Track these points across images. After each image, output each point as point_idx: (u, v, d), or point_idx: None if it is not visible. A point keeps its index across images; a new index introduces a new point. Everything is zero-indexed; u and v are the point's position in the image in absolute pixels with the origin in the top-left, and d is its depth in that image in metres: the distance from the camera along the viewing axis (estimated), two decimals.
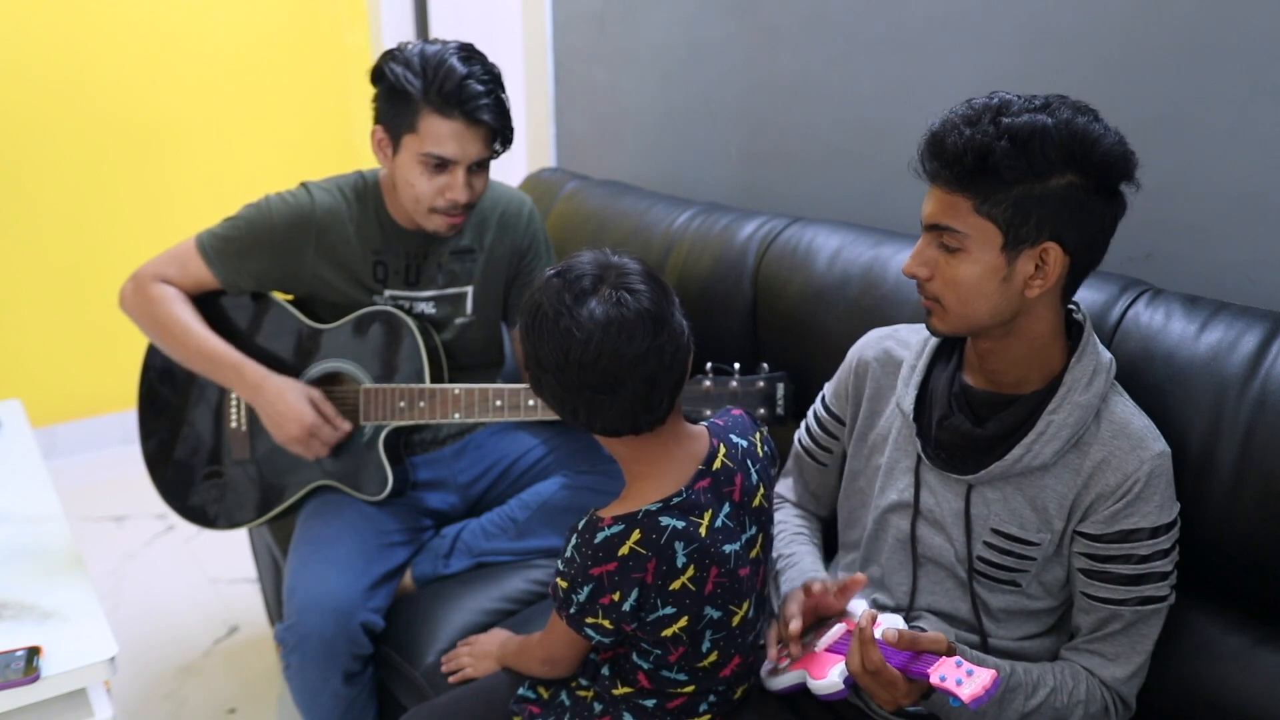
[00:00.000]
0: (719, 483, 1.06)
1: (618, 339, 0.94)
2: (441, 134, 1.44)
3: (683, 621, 1.03)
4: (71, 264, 2.99)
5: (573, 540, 1.04)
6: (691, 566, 1.02)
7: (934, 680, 0.91)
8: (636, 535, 1.00)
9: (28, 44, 2.79)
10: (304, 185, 1.63)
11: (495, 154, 1.52)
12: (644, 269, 1.01)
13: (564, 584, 1.04)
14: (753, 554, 1.10)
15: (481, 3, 3.07)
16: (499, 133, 1.49)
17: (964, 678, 0.89)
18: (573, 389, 0.97)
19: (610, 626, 1.03)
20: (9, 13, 2.74)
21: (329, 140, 3.34)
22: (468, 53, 1.47)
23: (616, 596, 1.01)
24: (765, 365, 1.55)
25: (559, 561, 1.06)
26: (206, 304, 1.65)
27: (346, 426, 1.58)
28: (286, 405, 1.54)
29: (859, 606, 1.14)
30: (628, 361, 0.95)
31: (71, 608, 1.27)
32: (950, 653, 0.98)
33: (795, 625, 1.09)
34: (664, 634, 1.04)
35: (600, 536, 1.01)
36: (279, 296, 1.68)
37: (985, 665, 1.03)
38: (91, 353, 3.02)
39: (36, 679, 1.13)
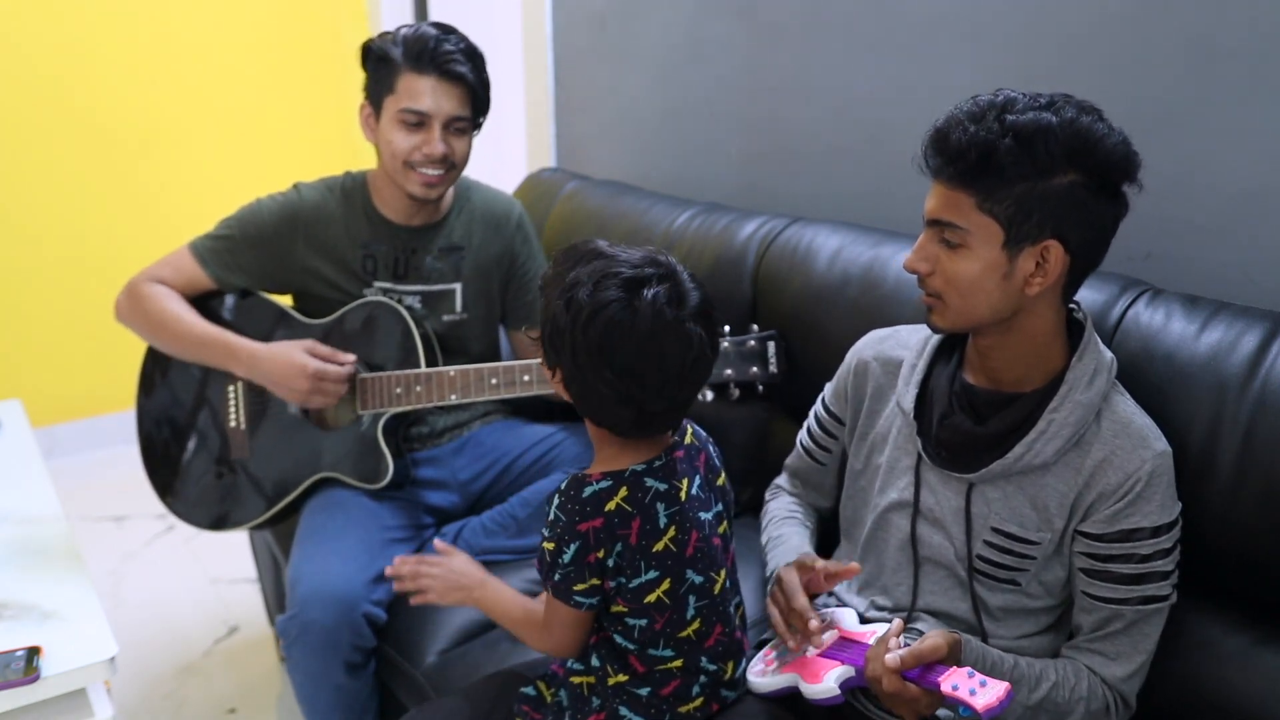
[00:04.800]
0: (690, 455, 1.10)
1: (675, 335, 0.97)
2: (418, 89, 1.52)
3: (665, 584, 1.05)
4: (71, 264, 2.98)
5: (556, 501, 1.04)
6: (673, 527, 1.04)
7: (945, 689, 0.91)
8: (624, 492, 1.03)
9: (27, 42, 2.78)
10: (295, 186, 1.68)
11: (475, 123, 1.59)
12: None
13: (550, 546, 1.04)
14: (721, 529, 1.12)
15: (481, 3, 3.07)
16: (475, 92, 1.56)
17: (977, 688, 0.89)
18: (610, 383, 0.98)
19: (598, 584, 1.05)
20: (11, 14, 2.74)
21: (330, 142, 3.34)
22: (447, 29, 1.56)
23: (601, 554, 1.02)
24: (755, 326, 1.56)
25: (544, 528, 1.06)
26: (200, 307, 1.66)
27: (350, 358, 1.58)
28: (286, 364, 1.55)
29: (849, 615, 1.15)
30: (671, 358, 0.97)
31: (71, 608, 1.27)
32: (955, 648, 0.98)
33: (802, 601, 1.10)
34: (647, 599, 1.05)
35: (588, 491, 1.03)
36: (271, 296, 1.70)
37: (989, 657, 1.04)
38: (91, 353, 3.02)
39: (36, 679, 1.13)
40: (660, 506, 1.04)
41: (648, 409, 0.99)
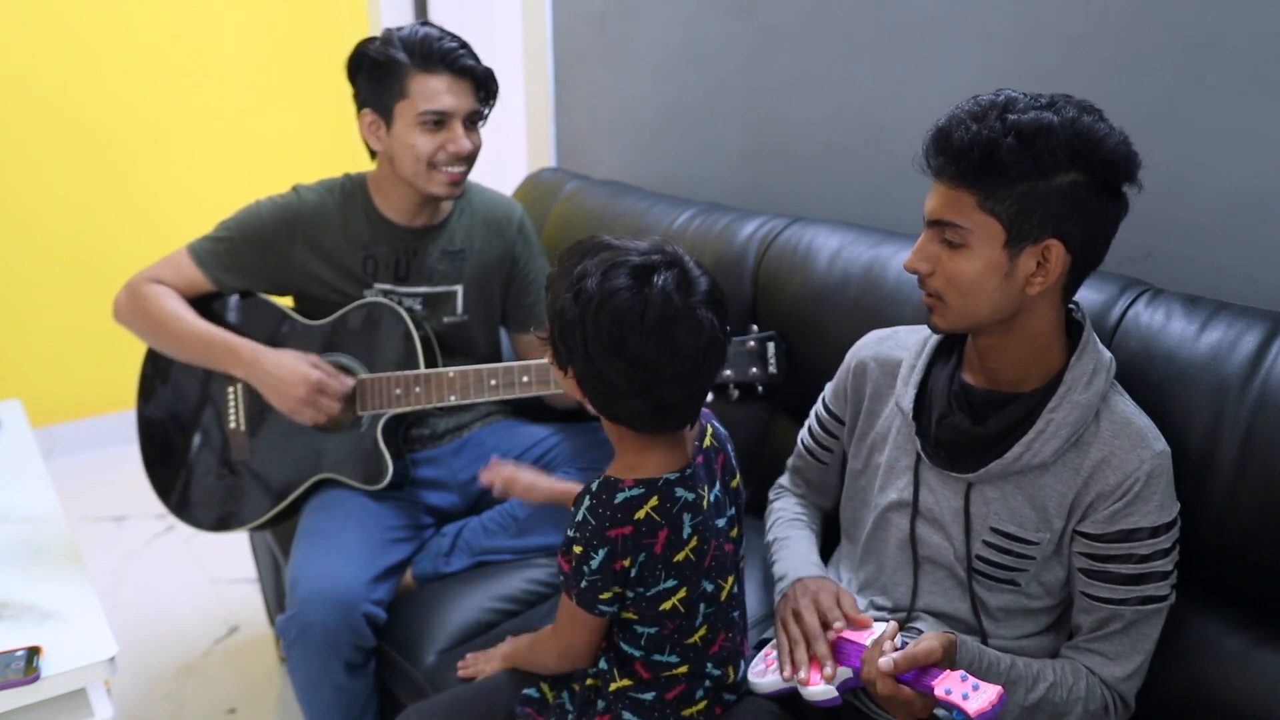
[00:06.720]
0: (709, 459, 1.10)
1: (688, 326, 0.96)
2: (434, 90, 1.52)
3: (682, 593, 1.05)
4: (71, 264, 2.99)
5: (585, 502, 1.02)
6: (695, 538, 1.04)
7: (939, 693, 0.91)
8: (654, 501, 1.01)
9: (28, 42, 2.78)
10: (294, 188, 1.67)
11: (483, 115, 1.61)
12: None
13: (577, 549, 1.02)
14: (733, 533, 1.12)
15: (481, 3, 3.07)
16: (483, 83, 1.57)
17: (970, 692, 0.89)
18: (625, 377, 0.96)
19: (620, 591, 1.04)
20: (11, 14, 2.74)
21: (330, 143, 3.34)
22: (438, 29, 1.57)
23: (627, 562, 1.01)
24: (755, 326, 1.56)
25: (568, 529, 1.03)
26: (201, 309, 1.65)
27: (350, 381, 1.58)
28: (288, 370, 1.55)
29: None
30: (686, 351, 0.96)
31: (71, 608, 1.27)
32: (951, 649, 0.98)
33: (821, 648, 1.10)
34: (663, 607, 1.05)
35: (620, 497, 1.01)
36: (271, 297, 1.70)
37: (985, 658, 1.04)
38: (91, 353, 3.02)
39: (36, 679, 1.13)
40: (687, 517, 1.03)
41: (663, 400, 0.98)
